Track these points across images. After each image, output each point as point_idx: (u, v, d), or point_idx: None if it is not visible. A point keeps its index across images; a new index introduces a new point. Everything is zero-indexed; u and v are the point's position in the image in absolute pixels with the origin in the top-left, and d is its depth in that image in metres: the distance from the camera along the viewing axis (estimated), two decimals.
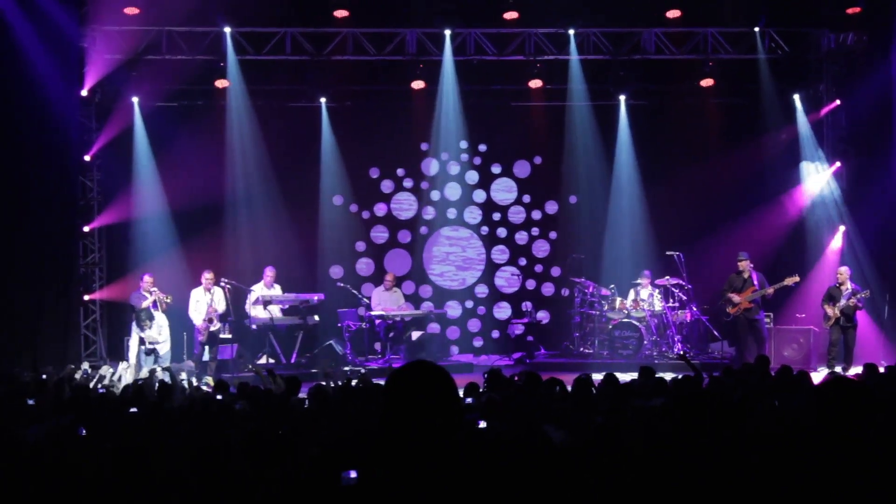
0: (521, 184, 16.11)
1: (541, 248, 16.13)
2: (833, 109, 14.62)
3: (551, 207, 16.04)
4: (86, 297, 14.11)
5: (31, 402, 7.62)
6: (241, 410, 6.81)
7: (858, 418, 3.26)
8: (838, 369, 12.00)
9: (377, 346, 14.40)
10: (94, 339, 14.21)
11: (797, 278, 13.04)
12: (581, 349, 14.20)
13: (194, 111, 14.81)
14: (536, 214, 16.10)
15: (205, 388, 10.24)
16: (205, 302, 12.74)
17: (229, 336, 13.03)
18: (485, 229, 16.12)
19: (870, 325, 13.39)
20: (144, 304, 12.41)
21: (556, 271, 15.96)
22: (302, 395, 7.97)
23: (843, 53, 14.38)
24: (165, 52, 13.94)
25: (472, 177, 16.07)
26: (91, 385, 9.94)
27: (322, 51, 14.27)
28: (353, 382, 8.83)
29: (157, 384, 8.92)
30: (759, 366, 8.85)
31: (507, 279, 16.15)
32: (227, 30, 14.00)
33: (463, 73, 14.74)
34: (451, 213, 16.09)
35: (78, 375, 11.11)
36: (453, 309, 15.86)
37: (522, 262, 16.11)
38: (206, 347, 12.65)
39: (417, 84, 14.71)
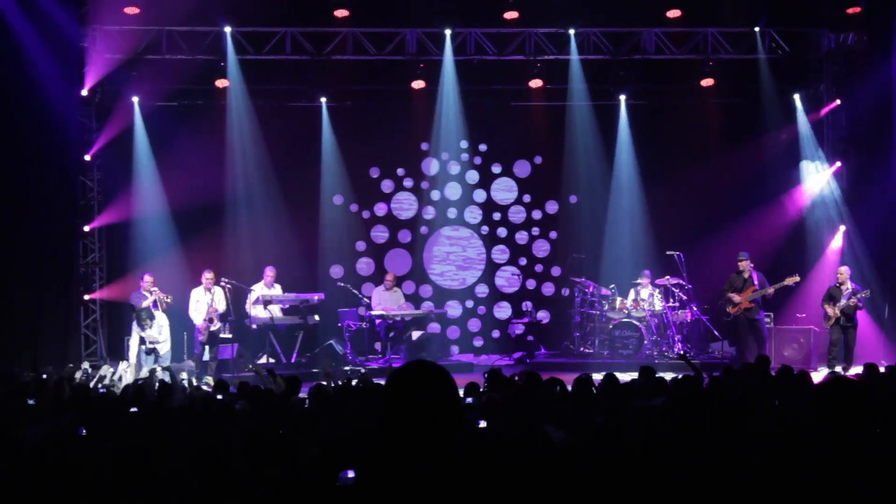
0: (521, 183, 16.11)
1: (541, 248, 16.13)
2: (833, 109, 14.62)
3: (551, 207, 16.04)
4: (86, 297, 14.10)
5: (31, 401, 7.63)
6: (242, 410, 6.82)
7: (858, 418, 3.26)
8: (839, 369, 12.00)
9: (377, 345, 14.39)
10: (94, 338, 14.21)
11: (797, 278, 13.04)
12: (581, 349, 14.20)
13: (194, 111, 14.81)
14: (537, 214, 16.10)
15: (205, 387, 10.24)
16: (205, 302, 12.75)
17: (230, 336, 13.02)
18: (485, 229, 16.12)
19: (870, 324, 13.39)
20: (145, 304, 12.41)
21: (556, 271, 15.96)
22: (302, 394, 7.97)
23: (843, 53, 14.38)
24: (165, 52, 13.94)
25: (473, 176, 16.07)
26: (91, 385, 9.95)
27: (322, 50, 14.27)
28: (354, 382, 8.83)
29: (157, 384, 8.92)
30: (759, 366, 8.85)
31: (507, 279, 16.15)
32: (228, 29, 14.00)
33: (463, 73, 14.74)
34: (452, 213, 16.09)
35: (78, 375, 11.12)
36: (453, 309, 15.86)
37: (523, 261, 16.11)
38: (207, 347, 12.66)
39: (418, 84, 14.71)
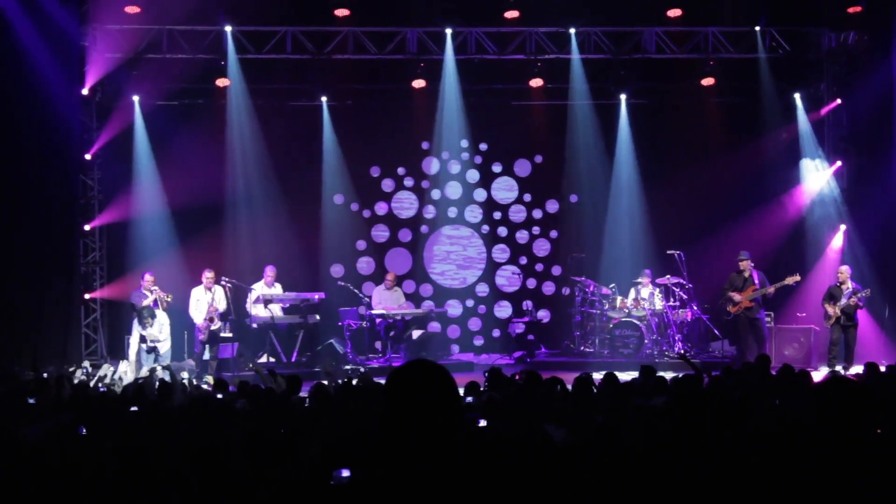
0: (521, 182, 16.11)
1: (541, 247, 16.13)
2: (833, 109, 14.63)
3: (552, 206, 16.04)
4: (86, 296, 14.11)
5: (31, 400, 7.62)
6: (242, 409, 6.81)
7: (858, 418, 3.26)
8: (839, 368, 12.01)
9: (378, 344, 14.40)
10: (94, 337, 14.21)
11: (798, 277, 13.05)
12: (582, 348, 14.20)
13: (195, 110, 14.81)
14: (537, 213, 16.11)
15: (205, 386, 10.24)
16: (205, 301, 12.75)
17: (230, 335, 13.03)
18: (485, 228, 16.12)
19: (870, 324, 13.40)
20: (145, 303, 12.41)
21: (556, 270, 15.96)
22: (303, 394, 7.96)
23: (843, 53, 14.38)
24: (166, 51, 13.94)
25: (473, 175, 16.07)
26: (91, 384, 9.95)
27: (323, 50, 14.27)
28: (354, 381, 8.83)
29: (157, 383, 8.92)
30: (759, 365, 8.85)
31: (507, 278, 16.15)
32: (228, 29, 14.00)
33: (464, 72, 14.73)
34: (452, 212, 16.09)
35: (79, 374, 11.12)
36: (454, 308, 15.87)
37: (523, 260, 16.11)
38: (207, 346, 12.67)
39: (418, 83, 14.71)
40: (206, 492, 4.17)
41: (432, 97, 14.96)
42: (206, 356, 12.66)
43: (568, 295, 15.41)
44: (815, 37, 14.58)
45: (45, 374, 10.22)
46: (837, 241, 14.33)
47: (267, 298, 13.39)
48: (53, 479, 4.31)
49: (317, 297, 13.74)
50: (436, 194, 15.99)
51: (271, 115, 14.85)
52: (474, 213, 16.13)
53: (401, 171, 15.94)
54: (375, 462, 2.56)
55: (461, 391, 6.38)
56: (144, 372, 10.97)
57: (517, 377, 7.99)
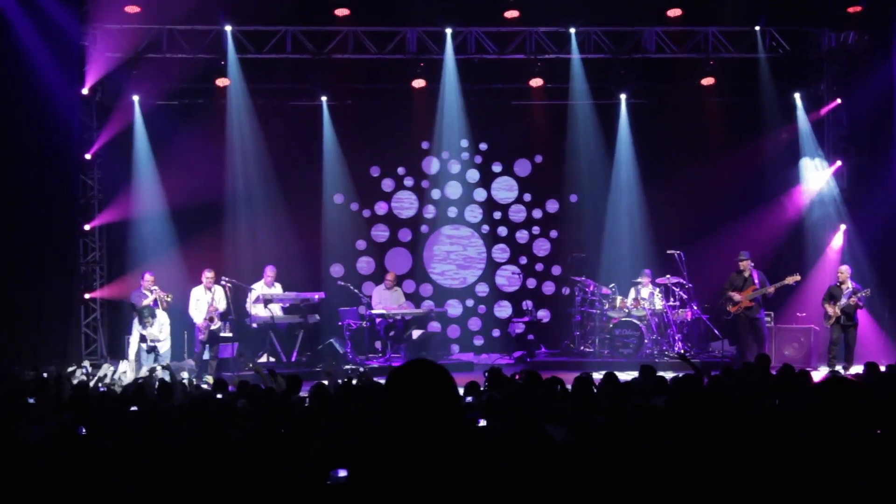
0: (521, 182, 16.11)
1: (541, 247, 16.13)
2: (834, 108, 14.62)
3: (552, 206, 16.04)
4: (86, 296, 14.10)
5: (31, 400, 7.62)
6: (242, 409, 6.81)
7: (858, 418, 3.25)
8: (839, 368, 12.01)
9: (378, 344, 14.40)
10: (94, 337, 14.20)
11: (798, 277, 13.05)
12: (581, 348, 14.21)
13: (195, 110, 14.81)
14: (537, 213, 16.10)
15: (205, 386, 10.24)
16: (205, 300, 12.75)
17: (230, 335, 13.03)
18: (485, 228, 16.12)
19: (870, 324, 13.40)
20: (145, 303, 12.42)
21: (556, 270, 15.96)
22: (303, 394, 7.96)
23: (843, 52, 14.37)
24: (166, 51, 13.94)
25: (473, 175, 16.07)
26: (91, 384, 9.94)
27: (323, 49, 14.27)
28: (354, 381, 8.82)
29: (157, 383, 8.91)
30: (759, 365, 8.85)
31: (507, 278, 16.15)
32: (228, 28, 14.00)
33: (464, 72, 14.73)
34: (452, 212, 16.09)
35: (79, 374, 11.11)
36: (454, 307, 15.87)
37: (523, 260, 16.11)
38: (207, 346, 12.67)
39: (418, 83, 14.71)
40: (206, 492, 4.17)
41: (432, 97, 14.96)
42: (206, 356, 12.66)
43: (568, 295, 15.41)
44: (815, 37, 14.58)
45: (45, 374, 10.20)
46: (837, 240, 14.33)
47: (267, 298, 13.40)
48: (53, 479, 4.31)
49: (317, 296, 13.75)
50: (436, 194, 15.99)
51: (271, 115, 14.85)
52: (474, 213, 16.13)
53: (401, 170, 15.94)
54: (375, 462, 2.56)
55: (461, 391, 6.38)
56: (144, 372, 10.96)
57: (517, 377, 7.98)
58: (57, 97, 12.84)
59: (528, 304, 14.87)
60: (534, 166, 16.05)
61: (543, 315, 15.51)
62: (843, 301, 12.39)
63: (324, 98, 15.08)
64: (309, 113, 15.21)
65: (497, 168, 16.10)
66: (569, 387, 7.22)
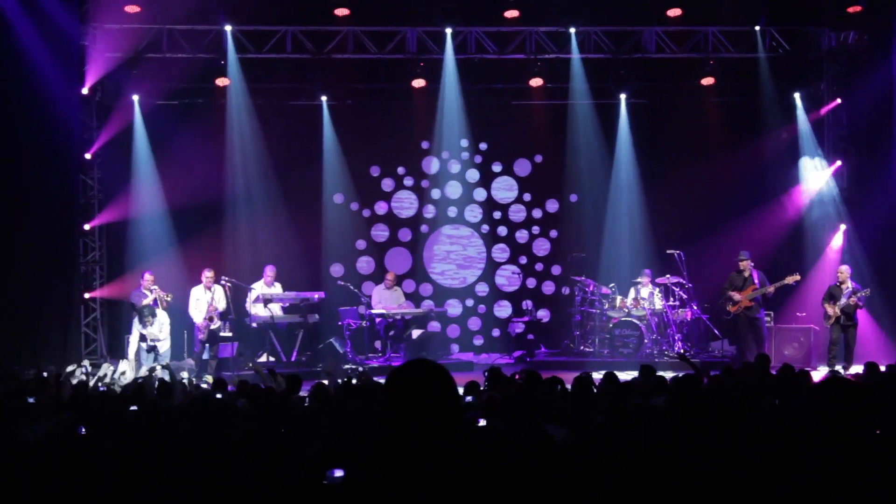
0: (521, 182, 16.11)
1: (541, 247, 16.13)
2: (833, 108, 14.62)
3: (552, 206, 16.04)
4: (86, 295, 14.09)
5: (31, 400, 7.62)
6: (242, 409, 6.81)
7: (858, 418, 3.26)
8: (839, 368, 12.01)
9: (377, 344, 14.40)
10: (94, 337, 14.20)
11: (798, 277, 13.05)
12: (581, 348, 14.21)
13: (195, 109, 14.81)
14: (537, 213, 16.11)
15: (205, 386, 10.24)
16: (205, 300, 12.75)
17: (230, 334, 13.03)
18: (485, 228, 16.12)
19: (870, 323, 13.40)
20: (145, 303, 12.42)
21: (556, 270, 15.96)
22: (303, 393, 7.96)
23: (843, 52, 14.37)
24: (166, 51, 13.94)
25: (473, 175, 16.07)
26: (91, 383, 9.94)
27: (323, 49, 14.27)
28: (354, 381, 8.82)
29: (156, 382, 8.91)
30: (759, 365, 8.85)
31: (507, 277, 16.15)
32: (228, 28, 14.00)
33: (464, 72, 14.73)
34: (452, 212, 16.09)
35: (78, 373, 11.11)
36: (454, 307, 15.87)
37: (523, 260, 16.11)
38: (207, 346, 12.67)
39: (418, 82, 14.71)
40: (206, 492, 4.17)
41: (432, 97, 14.95)
42: (206, 355, 12.66)
43: (568, 294, 15.41)
44: (815, 36, 14.58)
45: (45, 374, 10.20)
46: (837, 240, 14.33)
47: (267, 298, 13.40)
48: (53, 479, 4.31)
49: (317, 296, 13.75)
50: (436, 194, 15.99)
51: (271, 115, 14.84)
52: (474, 213, 16.13)
53: (401, 170, 15.94)
54: (375, 462, 2.56)
55: (461, 391, 6.38)
56: (144, 371, 10.96)
57: (517, 377, 7.98)
58: (57, 97, 12.84)
59: (527, 304, 14.87)
60: (534, 166, 16.05)
61: (543, 315, 15.51)
62: (843, 301, 12.39)
63: (324, 98, 15.08)
64: (309, 113, 15.21)
65: (497, 168, 16.11)
66: (569, 387, 7.22)
